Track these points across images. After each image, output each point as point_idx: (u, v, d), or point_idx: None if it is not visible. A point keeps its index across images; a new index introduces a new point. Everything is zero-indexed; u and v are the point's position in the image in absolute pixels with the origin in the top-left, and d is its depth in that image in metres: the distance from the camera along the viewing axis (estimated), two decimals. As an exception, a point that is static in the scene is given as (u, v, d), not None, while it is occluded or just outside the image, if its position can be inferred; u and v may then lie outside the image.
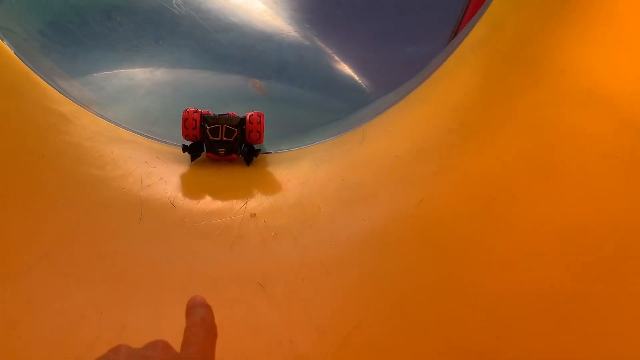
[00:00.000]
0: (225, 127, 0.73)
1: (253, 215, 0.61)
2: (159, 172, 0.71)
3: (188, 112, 0.74)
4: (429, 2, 1.56)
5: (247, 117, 0.75)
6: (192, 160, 0.76)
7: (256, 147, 0.77)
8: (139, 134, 0.81)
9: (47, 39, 0.86)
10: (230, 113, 0.76)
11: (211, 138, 0.73)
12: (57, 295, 0.49)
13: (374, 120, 0.76)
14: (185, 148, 0.75)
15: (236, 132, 0.74)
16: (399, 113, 0.73)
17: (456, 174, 0.50)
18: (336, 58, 1.52)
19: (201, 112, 0.75)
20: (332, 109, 1.35)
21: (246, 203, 0.64)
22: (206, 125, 0.74)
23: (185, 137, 0.75)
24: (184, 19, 1.19)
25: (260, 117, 0.75)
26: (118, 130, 0.80)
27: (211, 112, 0.76)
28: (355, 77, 1.52)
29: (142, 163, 0.72)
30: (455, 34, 1.52)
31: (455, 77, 0.63)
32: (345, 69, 1.52)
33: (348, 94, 1.47)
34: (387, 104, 0.79)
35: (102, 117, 0.81)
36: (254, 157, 0.76)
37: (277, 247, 0.55)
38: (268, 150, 0.82)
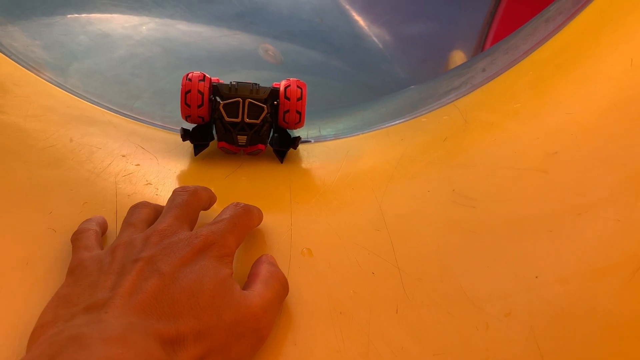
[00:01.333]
0: (249, 102, 0.47)
1: (308, 251, 0.36)
2: (144, 173, 0.45)
3: (191, 78, 0.47)
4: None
5: (282, 89, 0.48)
6: (196, 154, 0.49)
7: (293, 133, 0.51)
8: (114, 111, 0.54)
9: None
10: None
11: (227, 119, 0.47)
12: None
13: (473, 95, 0.50)
14: (185, 134, 0.49)
15: (265, 111, 0.47)
16: (518, 83, 0.47)
17: None
18: (361, 23, 1.25)
19: (210, 78, 0.48)
20: (362, 83, 1.08)
21: (291, 229, 0.38)
22: (219, 99, 0.47)
23: (187, 118, 0.48)
24: (177, -39, 0.91)
25: (301, 88, 0.49)
26: (82, 104, 0.53)
27: (222, 81, 0.50)
28: (382, 46, 1.26)
29: (118, 157, 0.46)
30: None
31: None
32: (372, 36, 1.25)
33: (376, 65, 1.21)
34: (486, 71, 0.53)
35: (59, 86, 0.54)
36: (292, 149, 0.50)
37: (368, 329, 0.30)
38: (306, 139, 0.55)
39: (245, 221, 0.34)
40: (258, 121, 0.47)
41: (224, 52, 0.86)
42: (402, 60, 1.24)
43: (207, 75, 0.48)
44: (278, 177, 0.47)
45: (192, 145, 0.49)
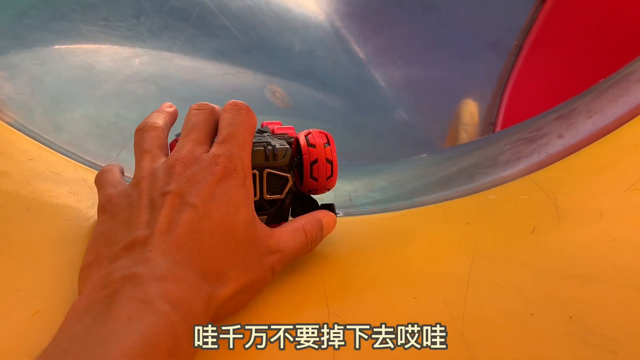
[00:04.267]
0: (268, 172, 0.35)
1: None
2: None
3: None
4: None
5: (303, 139, 0.37)
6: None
7: (320, 199, 0.39)
8: (91, 164, 0.43)
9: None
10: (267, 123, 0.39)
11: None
12: None
13: (554, 168, 0.40)
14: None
15: (289, 182, 0.36)
16: (623, 158, 0.37)
17: None
18: (373, 67, 1.16)
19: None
20: (374, 130, 0.98)
21: (326, 340, 0.26)
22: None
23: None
24: (178, -11, 0.81)
25: (327, 137, 0.37)
26: (50, 156, 0.41)
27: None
28: (393, 91, 1.16)
29: (88, 239, 0.33)
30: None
31: None
32: (384, 81, 1.15)
33: (389, 111, 1.11)
34: (565, 139, 0.42)
35: (23, 130, 0.42)
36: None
37: None
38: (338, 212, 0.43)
39: (251, 126, 0.33)
40: (282, 196, 0.36)
41: (226, 92, 0.75)
42: (411, 105, 1.15)
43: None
44: (305, 272, 0.35)
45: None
